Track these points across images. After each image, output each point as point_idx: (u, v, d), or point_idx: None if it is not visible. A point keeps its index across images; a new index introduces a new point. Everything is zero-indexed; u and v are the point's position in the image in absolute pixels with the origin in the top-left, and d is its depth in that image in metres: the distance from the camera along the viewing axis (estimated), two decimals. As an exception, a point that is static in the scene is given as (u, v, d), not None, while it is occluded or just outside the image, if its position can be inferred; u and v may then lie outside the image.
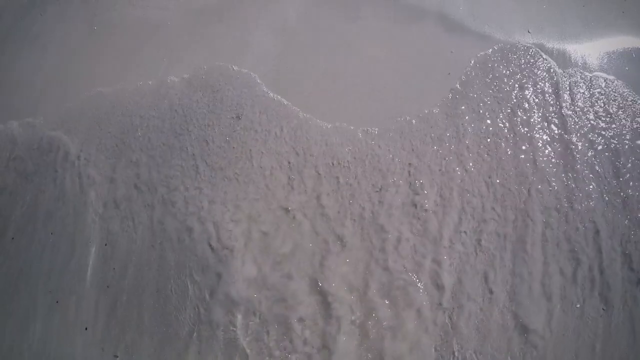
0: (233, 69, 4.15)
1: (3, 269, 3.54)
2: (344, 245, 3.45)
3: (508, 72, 4.18)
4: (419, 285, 3.33)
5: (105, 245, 3.56)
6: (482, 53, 4.26)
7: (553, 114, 3.98)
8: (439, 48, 4.27)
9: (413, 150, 3.76)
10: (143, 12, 4.48)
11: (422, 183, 3.64)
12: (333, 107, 3.94)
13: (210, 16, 4.47)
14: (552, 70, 4.20)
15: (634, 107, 4.05)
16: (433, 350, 3.19)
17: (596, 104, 4.05)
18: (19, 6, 4.68)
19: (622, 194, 3.65)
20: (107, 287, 3.41)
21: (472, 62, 4.19)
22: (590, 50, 4.34)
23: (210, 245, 3.43)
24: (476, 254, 3.44)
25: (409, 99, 3.98)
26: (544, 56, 4.28)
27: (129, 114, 4.02)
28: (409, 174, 3.67)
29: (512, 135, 3.84)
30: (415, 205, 3.56)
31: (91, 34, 4.45)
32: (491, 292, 3.34)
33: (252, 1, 4.55)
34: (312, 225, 3.50)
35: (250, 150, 3.76)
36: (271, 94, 4.01)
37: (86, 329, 3.33)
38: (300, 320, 3.25)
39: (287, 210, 3.55)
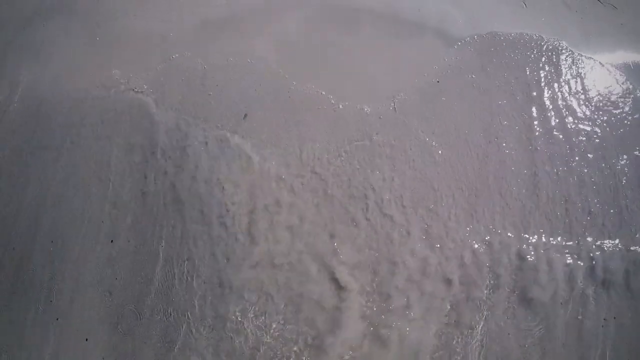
0: (248, 62, 4.27)
1: (3, 275, 3.55)
2: (353, 227, 3.57)
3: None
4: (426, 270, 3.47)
5: (111, 253, 3.57)
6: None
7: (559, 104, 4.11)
8: (438, 58, 4.33)
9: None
10: (146, 24, 4.50)
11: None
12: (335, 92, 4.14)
13: (213, 28, 4.49)
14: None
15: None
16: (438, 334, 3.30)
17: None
18: (22, 16, 4.70)
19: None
20: (110, 294, 3.42)
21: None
22: (590, 61, 4.38)
23: (221, 223, 3.53)
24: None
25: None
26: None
27: (132, 105, 4.08)
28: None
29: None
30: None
31: (94, 44, 4.48)
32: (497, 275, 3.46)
33: (254, 15, 4.58)
34: (317, 208, 3.61)
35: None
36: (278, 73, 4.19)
37: (87, 339, 3.32)
38: (309, 300, 3.34)
39: (292, 191, 3.65)
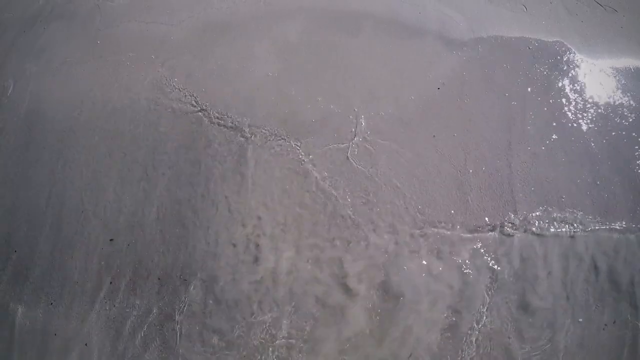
0: (248, 65, 4.24)
1: (4, 277, 3.55)
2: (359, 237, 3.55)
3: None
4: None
5: (112, 274, 3.56)
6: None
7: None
8: (439, 62, 4.33)
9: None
10: (147, 28, 4.52)
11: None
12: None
13: (214, 33, 4.51)
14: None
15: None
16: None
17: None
18: (23, 19, 4.73)
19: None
20: (109, 299, 3.42)
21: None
22: (590, 64, 4.39)
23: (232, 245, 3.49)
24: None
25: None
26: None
27: (130, 119, 4.05)
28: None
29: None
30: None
31: (94, 47, 4.49)
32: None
33: (255, 19, 4.60)
34: (325, 215, 3.59)
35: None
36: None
37: (86, 344, 3.32)
38: (316, 299, 3.32)
39: (303, 196, 3.64)
